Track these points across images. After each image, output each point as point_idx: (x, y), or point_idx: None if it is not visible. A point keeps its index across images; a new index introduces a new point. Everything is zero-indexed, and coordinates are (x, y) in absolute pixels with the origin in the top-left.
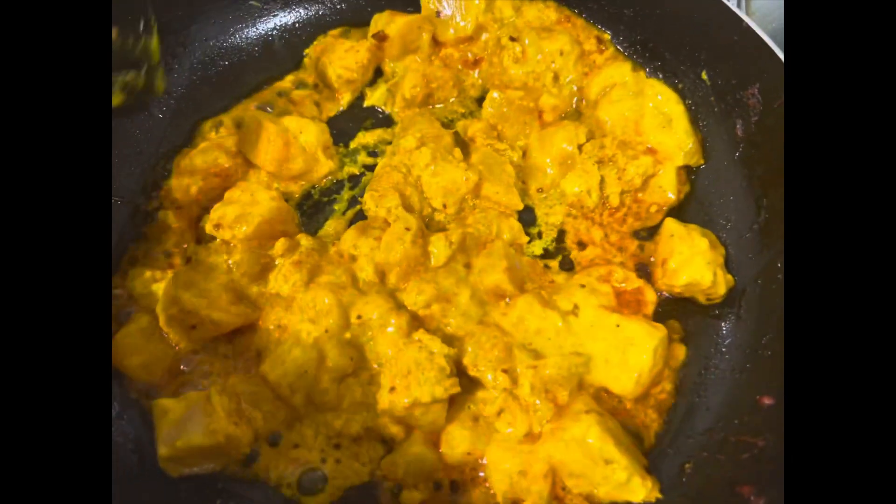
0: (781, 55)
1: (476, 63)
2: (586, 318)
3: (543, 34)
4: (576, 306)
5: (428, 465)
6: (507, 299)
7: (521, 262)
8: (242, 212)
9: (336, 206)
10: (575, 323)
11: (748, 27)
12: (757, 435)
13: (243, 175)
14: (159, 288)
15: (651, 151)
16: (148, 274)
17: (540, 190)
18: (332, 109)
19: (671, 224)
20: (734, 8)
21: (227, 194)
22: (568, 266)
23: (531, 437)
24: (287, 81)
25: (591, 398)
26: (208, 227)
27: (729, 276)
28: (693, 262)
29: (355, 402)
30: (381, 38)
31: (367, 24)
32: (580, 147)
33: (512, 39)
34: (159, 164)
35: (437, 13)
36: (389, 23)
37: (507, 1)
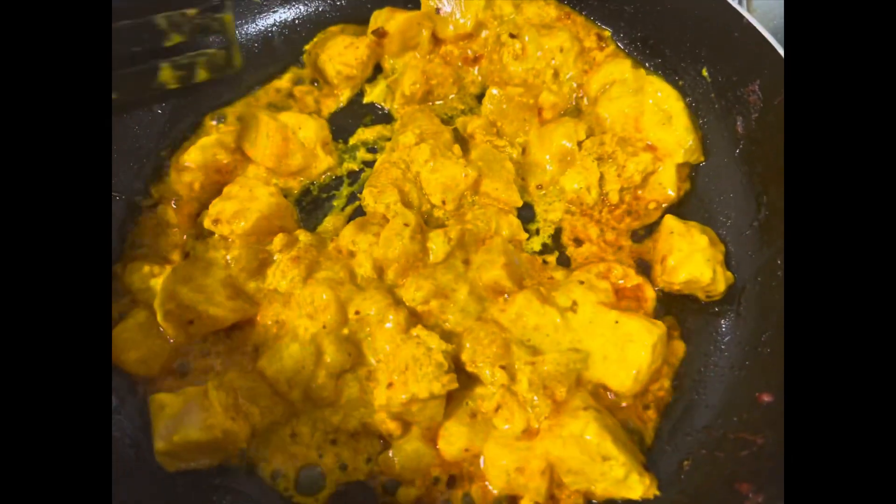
0: (782, 52)
1: (476, 60)
2: (585, 314)
3: (543, 31)
4: (574, 303)
5: (425, 462)
6: (506, 295)
7: (519, 259)
8: (241, 207)
9: (335, 203)
10: (573, 319)
11: (749, 24)
12: (756, 432)
13: (242, 171)
14: (157, 283)
15: (651, 148)
16: (146, 269)
17: (539, 187)
18: (331, 106)
19: (671, 221)
20: (735, 4)
21: (226, 190)
22: (564, 262)
23: (529, 433)
24: (286, 78)
25: (589, 395)
26: (206, 223)
27: (728, 274)
28: (692, 259)
29: (353, 398)
30: (380, 34)
31: (366, 20)
32: (580, 144)
33: (512, 36)
34: (158, 160)
35: (437, 10)
36: (389, 19)
37: None
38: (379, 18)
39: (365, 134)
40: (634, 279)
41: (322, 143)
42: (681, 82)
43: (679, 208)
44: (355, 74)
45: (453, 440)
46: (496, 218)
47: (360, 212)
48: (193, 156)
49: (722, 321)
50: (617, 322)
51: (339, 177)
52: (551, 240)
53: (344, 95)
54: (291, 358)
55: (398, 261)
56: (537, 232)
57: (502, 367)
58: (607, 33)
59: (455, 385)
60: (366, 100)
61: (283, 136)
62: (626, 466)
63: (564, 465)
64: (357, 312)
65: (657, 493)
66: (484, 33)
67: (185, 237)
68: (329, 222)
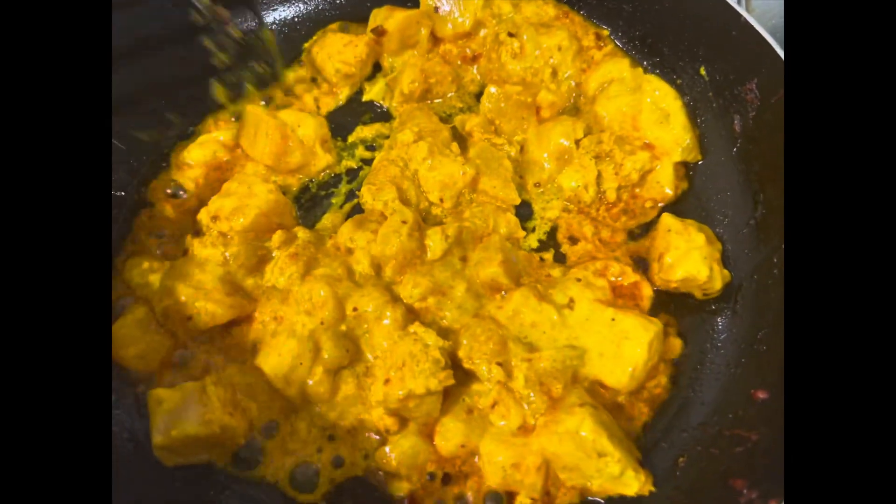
0: (779, 50)
1: (474, 59)
2: (582, 311)
3: (542, 30)
4: (571, 300)
5: (422, 457)
6: (503, 293)
7: (517, 256)
8: (240, 204)
9: (333, 200)
10: (570, 316)
11: (746, 22)
12: (751, 429)
13: (241, 168)
14: (156, 279)
15: (648, 147)
16: (145, 265)
17: (537, 185)
18: (330, 104)
19: (668, 219)
20: (733, 4)
21: (225, 186)
22: (561, 259)
23: (525, 429)
24: (286, 76)
25: (586, 391)
26: (205, 219)
27: (725, 272)
28: (689, 256)
29: (350, 395)
30: (379, 32)
31: (365, 19)
32: (577, 142)
33: (510, 35)
34: (158, 157)
35: (436, 9)
36: (388, 18)
37: None
38: (378, 17)
39: (364, 132)
40: (631, 277)
41: (321, 140)
42: (679, 81)
43: (676, 206)
44: (354, 73)
45: (450, 436)
46: (494, 216)
47: (358, 209)
48: (193, 153)
49: (718, 319)
50: (613, 319)
51: (337, 174)
52: (546, 236)
53: (343, 94)
54: (289, 354)
55: (396, 258)
56: (533, 230)
57: (499, 364)
58: (606, 32)
59: (451, 381)
60: (365, 98)
61: (282, 135)
62: (622, 463)
63: (560, 461)
64: (355, 309)
65: (652, 489)
66: (482, 32)
67: (183, 234)
68: (327, 219)
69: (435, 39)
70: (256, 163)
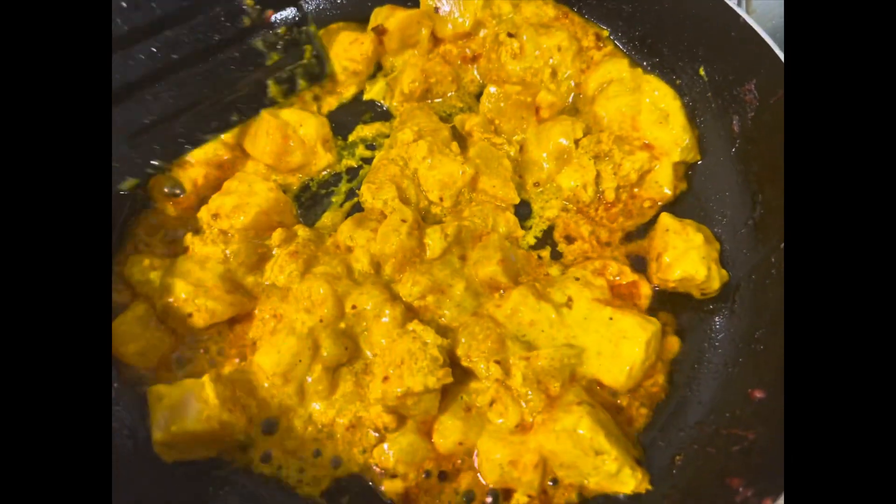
0: (778, 51)
1: (474, 59)
2: (580, 310)
3: (541, 30)
4: (570, 299)
5: (420, 455)
6: (502, 291)
7: (516, 255)
8: (240, 202)
9: (334, 199)
10: (568, 315)
11: (745, 23)
12: (748, 428)
13: (242, 166)
14: (157, 276)
15: (647, 147)
16: (146, 262)
17: (536, 184)
18: (332, 103)
19: (666, 219)
20: (733, 5)
21: (226, 185)
22: (557, 256)
23: (523, 427)
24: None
25: (583, 390)
26: (206, 217)
27: (723, 271)
28: (688, 256)
29: (348, 392)
30: (380, 31)
31: (366, 19)
32: (577, 142)
33: (510, 35)
34: None
35: (436, 9)
36: (389, 17)
37: None
38: (379, 16)
39: (364, 131)
40: (630, 276)
41: (322, 140)
42: (678, 81)
43: (675, 206)
44: (361, 70)
45: (448, 434)
46: (493, 215)
47: (358, 208)
48: (194, 151)
49: (716, 318)
50: (611, 318)
51: (337, 173)
52: (542, 233)
53: (349, 91)
54: (288, 351)
55: (395, 256)
56: (531, 228)
57: (497, 362)
58: (605, 33)
59: (450, 379)
60: (365, 97)
61: (283, 134)
62: (619, 461)
63: (557, 459)
64: (354, 307)
65: (649, 487)
66: (482, 32)
67: (184, 231)
68: (327, 218)
69: (435, 39)
70: (257, 161)
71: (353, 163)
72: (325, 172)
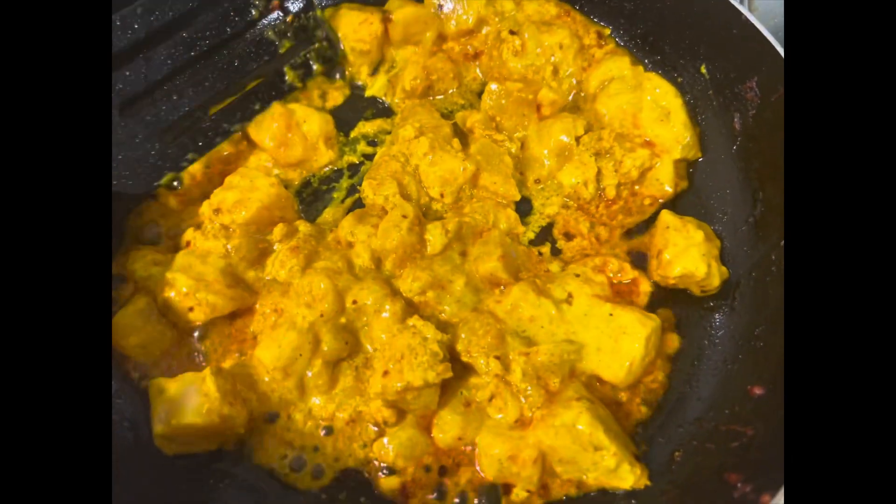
0: (780, 49)
1: (476, 56)
2: (580, 306)
3: (543, 28)
4: (570, 295)
5: (419, 449)
6: (502, 287)
7: (516, 252)
8: (242, 197)
9: (335, 195)
10: (568, 311)
11: (747, 20)
12: (746, 424)
13: (244, 161)
14: (159, 270)
15: (648, 144)
16: (149, 256)
17: (537, 181)
18: (336, 98)
19: (667, 216)
20: (735, 3)
21: (227, 180)
22: (557, 252)
23: (522, 422)
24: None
25: (583, 386)
26: (207, 212)
27: (723, 269)
28: (688, 253)
29: (348, 387)
30: (386, 19)
31: (374, 2)
32: (578, 139)
33: (512, 33)
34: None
35: (440, 6)
36: (399, 8)
37: None
38: (393, 3)
39: (365, 127)
40: (630, 273)
41: (325, 137)
42: (680, 79)
43: (676, 204)
44: (370, 50)
45: (447, 428)
46: (494, 211)
47: (359, 204)
48: None
49: (716, 315)
50: (611, 315)
51: (339, 169)
52: (540, 229)
53: (363, 73)
54: (289, 346)
55: (396, 252)
56: (529, 224)
57: (497, 358)
58: (607, 31)
59: (449, 374)
60: (367, 93)
61: (287, 123)
62: (618, 456)
63: (556, 454)
64: (354, 302)
65: (648, 482)
66: (485, 30)
67: (186, 225)
68: (329, 214)
69: (439, 38)
70: (259, 156)
71: (354, 159)
72: (326, 169)
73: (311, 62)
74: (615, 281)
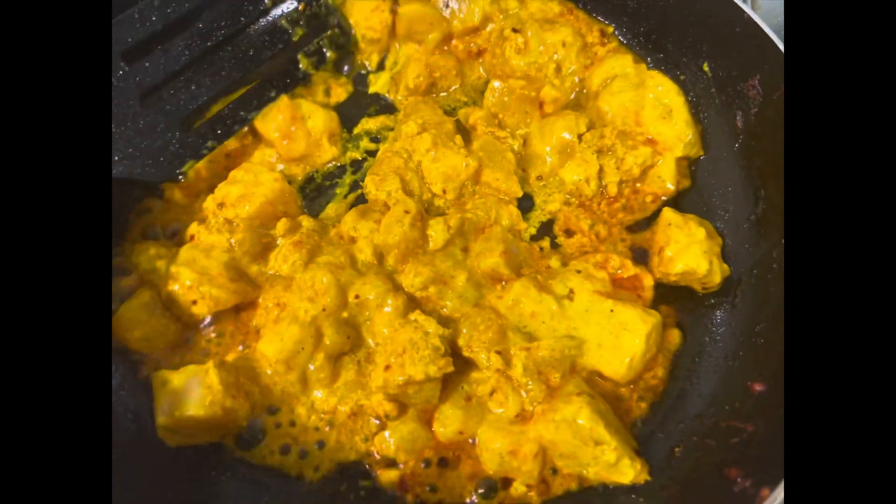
0: (782, 46)
1: (479, 54)
2: (581, 302)
3: (546, 26)
4: (571, 291)
5: (420, 443)
6: (504, 283)
7: (518, 248)
8: (246, 192)
9: (338, 190)
10: (570, 307)
11: (750, 19)
12: (747, 420)
13: (249, 157)
14: (163, 264)
15: (651, 142)
16: (153, 250)
17: (539, 178)
18: (340, 94)
19: (669, 213)
20: (738, 2)
21: (232, 174)
22: (555, 248)
23: (523, 417)
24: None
25: (583, 381)
26: (211, 206)
27: (725, 266)
28: (689, 250)
29: (350, 380)
30: (393, 10)
31: None
32: (580, 136)
33: (514, 31)
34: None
35: (445, 4)
36: (407, 3)
37: None
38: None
39: (369, 124)
40: (631, 270)
41: (329, 134)
42: (682, 77)
43: (678, 201)
44: (380, 38)
45: (448, 422)
46: (496, 207)
47: (362, 200)
48: None
49: (717, 312)
50: (612, 311)
51: (342, 165)
52: (540, 224)
53: (373, 61)
54: (291, 339)
55: (398, 247)
56: (528, 220)
57: (498, 353)
58: (610, 29)
59: (451, 368)
60: (371, 90)
61: (292, 115)
62: (618, 451)
63: (557, 448)
64: (357, 296)
65: (648, 477)
66: (489, 27)
67: (190, 219)
68: (331, 209)
69: (443, 39)
70: (263, 151)
71: (357, 155)
72: (329, 165)
73: (324, 49)
74: (617, 277)
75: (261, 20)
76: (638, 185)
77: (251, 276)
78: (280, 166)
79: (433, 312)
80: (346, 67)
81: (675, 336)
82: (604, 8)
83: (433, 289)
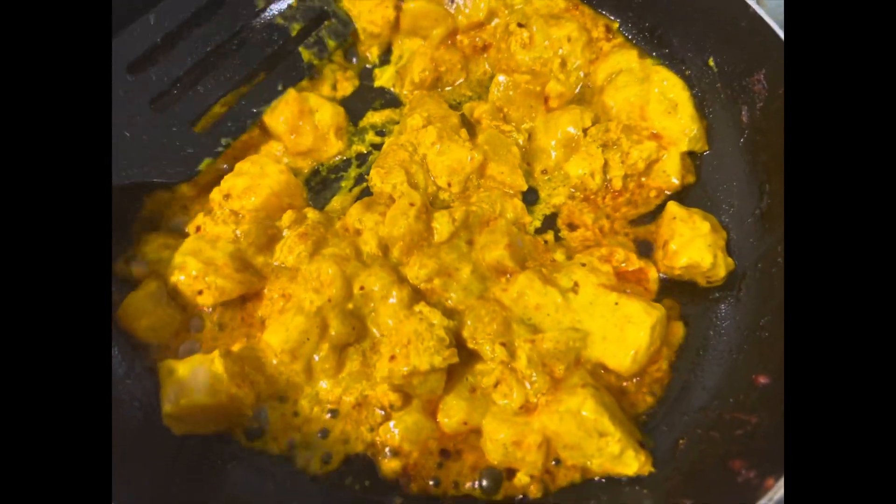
0: None
1: (485, 49)
2: (586, 295)
3: (551, 21)
4: (576, 284)
5: (424, 434)
6: (508, 275)
7: (523, 241)
8: (252, 183)
9: (343, 183)
10: (574, 300)
11: (755, 13)
12: (751, 412)
13: (256, 150)
14: (170, 254)
15: (656, 137)
16: (160, 240)
17: (544, 172)
18: (346, 88)
19: (673, 207)
20: None
21: (238, 166)
22: (558, 241)
23: (527, 408)
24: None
25: (588, 373)
26: (217, 198)
27: (729, 260)
28: (694, 244)
29: (355, 371)
30: (397, 6)
31: None
32: (585, 130)
33: (520, 26)
34: None
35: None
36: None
37: None
38: None
39: (374, 117)
40: (636, 263)
41: (335, 128)
42: (687, 72)
43: (683, 196)
44: (380, 33)
45: (452, 413)
46: (501, 201)
47: (367, 193)
48: None
49: (722, 306)
50: (617, 304)
51: (347, 158)
52: (544, 217)
53: (373, 54)
54: (297, 330)
55: (403, 239)
56: (533, 213)
57: (502, 344)
58: (615, 24)
59: (455, 359)
60: (376, 84)
61: (299, 109)
62: (622, 443)
63: (561, 440)
64: (362, 288)
65: (652, 469)
66: (494, 22)
67: (197, 210)
68: (337, 202)
69: (448, 34)
70: (270, 144)
71: (362, 148)
72: (335, 158)
73: (324, 39)
74: (621, 271)
75: (257, 21)
76: (643, 179)
77: (257, 267)
78: (286, 160)
79: (438, 304)
80: (353, 59)
81: (679, 329)
82: (609, 3)
83: (438, 281)
